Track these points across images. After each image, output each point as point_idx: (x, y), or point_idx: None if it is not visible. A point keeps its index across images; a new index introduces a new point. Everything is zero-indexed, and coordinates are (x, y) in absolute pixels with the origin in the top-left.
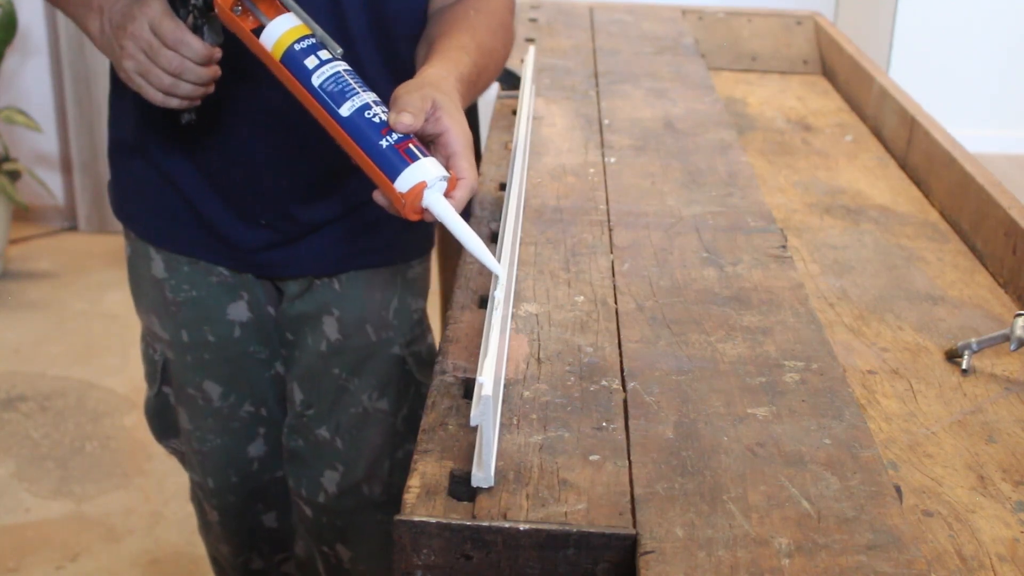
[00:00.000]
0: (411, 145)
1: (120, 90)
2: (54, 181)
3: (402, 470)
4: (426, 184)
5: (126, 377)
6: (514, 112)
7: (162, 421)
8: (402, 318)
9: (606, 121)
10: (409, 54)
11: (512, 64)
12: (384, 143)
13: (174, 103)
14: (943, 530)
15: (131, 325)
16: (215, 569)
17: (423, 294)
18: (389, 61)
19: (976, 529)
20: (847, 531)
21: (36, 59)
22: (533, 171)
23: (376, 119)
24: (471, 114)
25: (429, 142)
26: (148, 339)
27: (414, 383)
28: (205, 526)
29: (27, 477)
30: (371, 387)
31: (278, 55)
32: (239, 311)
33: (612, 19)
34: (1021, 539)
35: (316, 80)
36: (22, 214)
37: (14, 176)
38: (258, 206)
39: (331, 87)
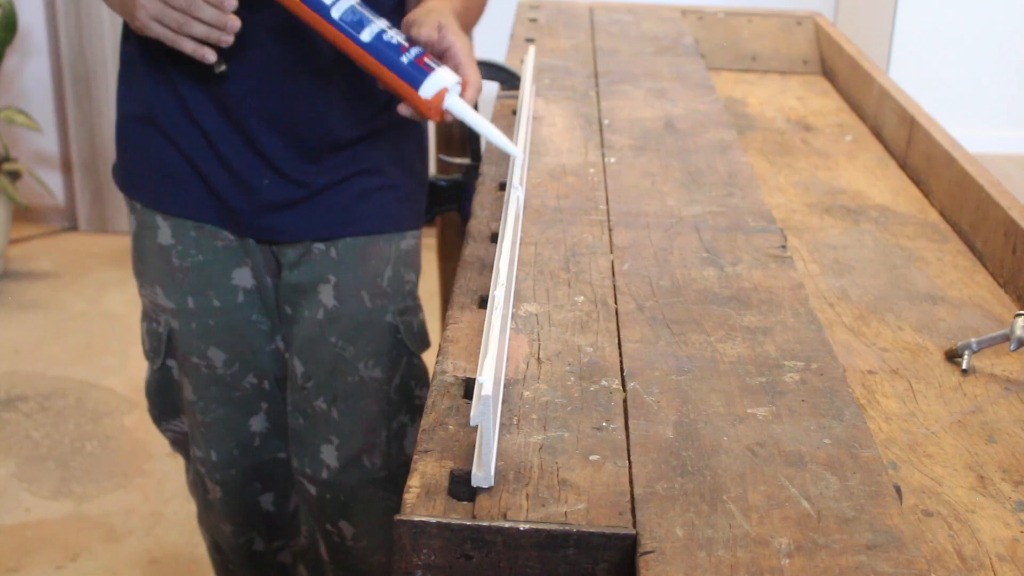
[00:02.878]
0: (426, 59)
1: (130, 65)
2: (54, 181)
3: (398, 441)
4: (447, 89)
5: (126, 377)
6: (514, 112)
7: (163, 399)
8: (395, 287)
9: (606, 121)
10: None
11: (512, 64)
12: (405, 59)
13: (188, 45)
14: (943, 530)
15: (131, 325)
16: (215, 557)
17: (415, 268)
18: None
19: (976, 529)
20: (847, 531)
21: (36, 59)
22: (533, 171)
23: (393, 40)
24: None
25: (438, 56)
26: (152, 314)
27: (406, 353)
28: (207, 507)
29: (27, 477)
30: (366, 355)
31: None
32: (243, 277)
33: (612, 19)
34: (1021, 539)
35: (335, 13)
36: (22, 214)
37: (14, 176)
38: (258, 167)
39: (349, 18)
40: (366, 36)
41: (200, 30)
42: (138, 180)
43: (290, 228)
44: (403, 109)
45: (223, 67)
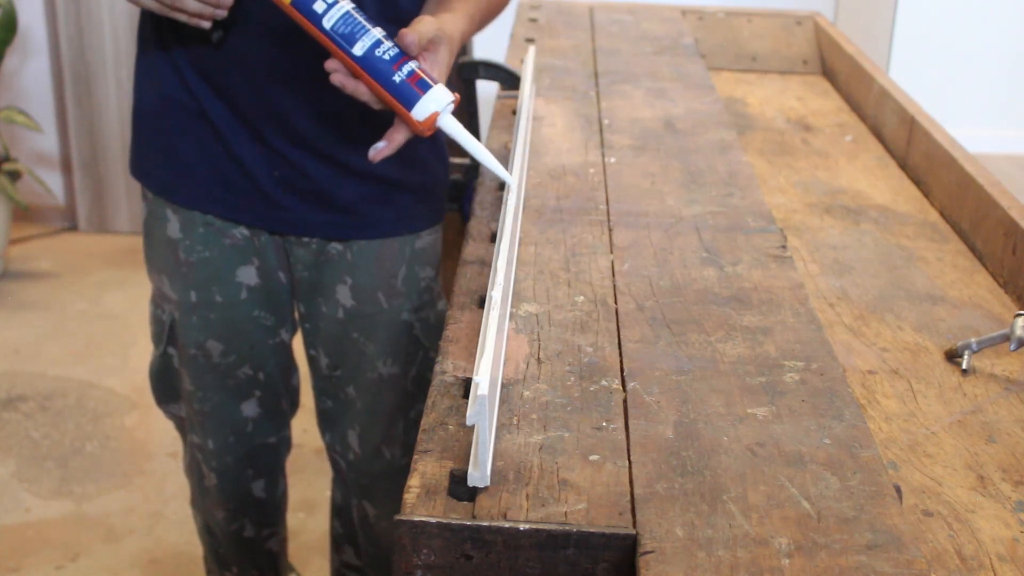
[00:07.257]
0: (421, 76)
1: (144, 50)
2: (54, 181)
3: (416, 429)
4: (439, 113)
5: (126, 377)
6: (514, 112)
7: (164, 383)
8: (410, 286)
9: (606, 121)
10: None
11: (512, 64)
12: (397, 78)
13: (182, 17)
14: (943, 530)
15: (131, 325)
16: (207, 540)
17: (432, 263)
18: (391, 15)
19: (976, 529)
20: (847, 531)
21: (36, 59)
22: (533, 171)
23: (387, 55)
24: (471, 118)
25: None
26: (157, 300)
27: (422, 348)
28: (202, 492)
29: (27, 477)
30: (384, 354)
31: (288, 0)
32: (248, 275)
33: (612, 19)
34: (1021, 539)
35: (327, 23)
36: (22, 214)
37: (14, 176)
38: (267, 160)
39: (342, 28)
40: (358, 49)
41: (193, 6)
42: (149, 167)
43: (302, 222)
44: (398, 137)
45: (219, 34)
